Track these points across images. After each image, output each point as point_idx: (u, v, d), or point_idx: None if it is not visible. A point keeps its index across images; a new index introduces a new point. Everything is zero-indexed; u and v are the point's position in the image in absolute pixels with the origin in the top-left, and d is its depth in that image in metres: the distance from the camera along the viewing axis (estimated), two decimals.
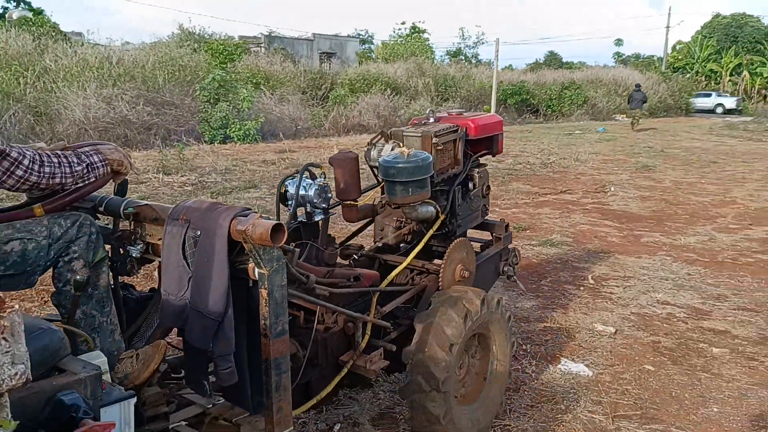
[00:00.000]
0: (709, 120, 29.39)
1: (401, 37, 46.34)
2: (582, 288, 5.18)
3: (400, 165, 2.75)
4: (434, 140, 2.97)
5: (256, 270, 1.80)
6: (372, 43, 45.48)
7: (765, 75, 41.55)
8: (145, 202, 2.18)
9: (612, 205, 8.71)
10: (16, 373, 1.11)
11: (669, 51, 48.00)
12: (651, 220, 7.77)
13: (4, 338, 1.09)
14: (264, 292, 1.79)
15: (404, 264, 2.94)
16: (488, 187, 3.50)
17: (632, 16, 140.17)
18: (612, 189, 9.74)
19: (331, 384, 2.49)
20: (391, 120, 20.87)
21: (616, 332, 4.28)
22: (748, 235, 7.06)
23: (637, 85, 23.52)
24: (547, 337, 4.19)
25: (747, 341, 4.19)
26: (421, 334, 2.60)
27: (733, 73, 43.30)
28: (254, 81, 19.88)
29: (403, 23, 46.81)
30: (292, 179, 2.65)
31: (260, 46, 34.77)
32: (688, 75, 43.22)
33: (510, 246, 3.68)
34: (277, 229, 1.69)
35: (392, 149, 2.97)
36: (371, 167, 3.14)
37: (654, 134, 20.50)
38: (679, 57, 46.24)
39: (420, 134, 2.99)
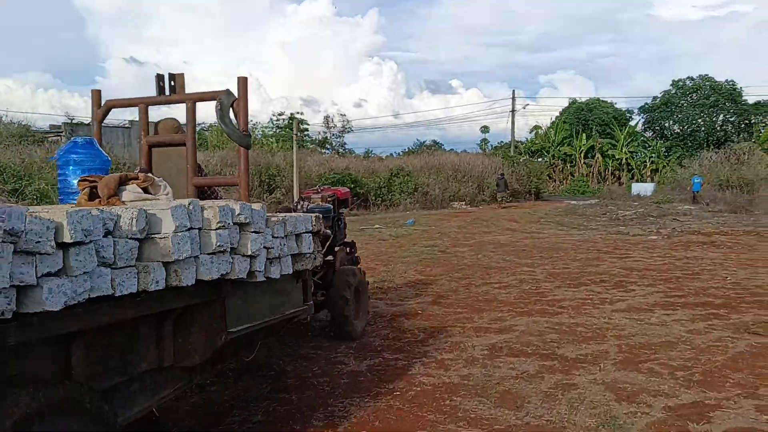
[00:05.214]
0: (554, 204, 27.37)
1: (279, 128, 43.47)
2: None
3: (319, 209, 5.44)
4: (328, 199, 6.22)
5: None
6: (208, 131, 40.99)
7: (617, 156, 41.36)
8: None
9: None
10: None
11: (530, 135, 47.75)
12: None
13: None
14: None
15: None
16: (345, 224, 6.53)
17: (490, 102, 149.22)
18: None
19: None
20: None
21: None
22: None
23: (501, 174, 28.55)
24: None
25: None
26: (337, 287, 5.50)
27: (587, 155, 42.97)
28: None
29: (281, 114, 43.96)
30: None
31: (60, 135, 30.12)
32: (545, 158, 42.46)
33: (356, 254, 6.71)
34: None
35: (309, 204, 5.96)
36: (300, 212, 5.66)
37: (471, 222, 17.50)
38: (536, 141, 45.76)
39: (320, 197, 6.19)
